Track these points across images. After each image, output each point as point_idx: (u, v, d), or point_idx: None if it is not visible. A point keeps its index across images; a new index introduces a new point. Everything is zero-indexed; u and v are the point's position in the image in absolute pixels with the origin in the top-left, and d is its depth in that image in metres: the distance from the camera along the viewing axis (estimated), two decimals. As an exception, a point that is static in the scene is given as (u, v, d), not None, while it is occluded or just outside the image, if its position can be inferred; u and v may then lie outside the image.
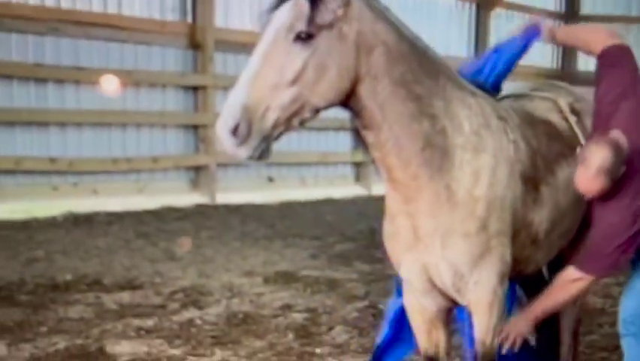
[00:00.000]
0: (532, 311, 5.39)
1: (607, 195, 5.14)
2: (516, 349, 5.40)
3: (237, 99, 4.23)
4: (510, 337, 5.29)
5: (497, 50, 5.83)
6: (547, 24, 6.21)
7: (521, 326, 5.35)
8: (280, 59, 4.24)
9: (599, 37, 5.54)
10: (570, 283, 5.34)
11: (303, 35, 4.24)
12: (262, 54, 4.28)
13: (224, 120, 4.21)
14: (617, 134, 5.10)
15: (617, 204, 5.18)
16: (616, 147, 4.99)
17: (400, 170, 4.71)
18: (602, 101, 5.38)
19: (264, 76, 4.23)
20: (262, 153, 4.28)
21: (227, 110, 4.23)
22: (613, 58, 5.39)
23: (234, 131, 4.18)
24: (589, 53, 5.65)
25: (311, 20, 4.22)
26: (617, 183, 5.10)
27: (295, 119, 4.34)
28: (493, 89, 5.56)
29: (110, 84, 14.48)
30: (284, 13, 4.28)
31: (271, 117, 4.23)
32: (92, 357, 7.67)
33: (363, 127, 4.64)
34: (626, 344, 5.74)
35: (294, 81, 4.25)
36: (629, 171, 5.08)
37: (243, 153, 4.23)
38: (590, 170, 4.97)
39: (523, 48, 5.79)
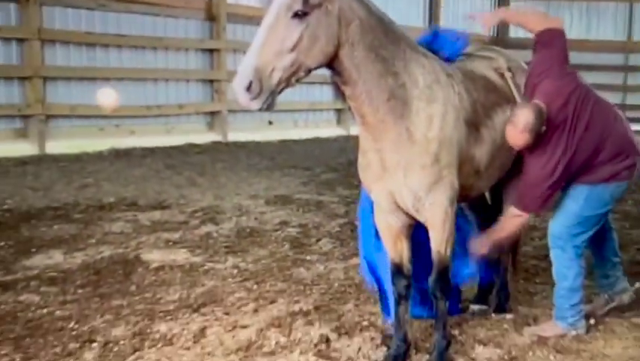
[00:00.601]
0: (490, 238, 5.67)
1: (532, 149, 5.40)
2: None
3: (249, 63, 4.28)
4: (474, 256, 5.75)
5: (435, 33, 5.65)
6: (485, 18, 6.18)
7: (482, 248, 5.67)
8: (282, 32, 4.33)
9: (537, 21, 5.71)
10: (513, 218, 5.64)
11: (299, 13, 4.33)
12: (267, 28, 4.34)
13: (240, 80, 4.28)
14: (539, 101, 5.35)
15: (540, 157, 5.40)
16: (538, 111, 5.27)
17: (371, 116, 4.77)
18: (532, 74, 5.58)
19: (270, 45, 4.31)
20: (269, 105, 4.38)
21: (242, 71, 4.29)
22: (546, 39, 5.54)
23: (248, 88, 4.26)
24: (529, 31, 5.70)
25: (305, 1, 4.32)
26: (539, 140, 5.35)
27: (294, 77, 4.45)
28: None
29: (107, 98, 14.44)
30: None
31: (276, 76, 4.33)
32: (129, 264, 7.58)
33: (342, 83, 4.69)
34: (554, 255, 5.76)
35: (293, 48, 4.35)
36: (549, 132, 5.36)
37: (256, 105, 4.33)
38: (517, 127, 5.23)
39: (456, 50, 5.67)
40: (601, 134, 5.51)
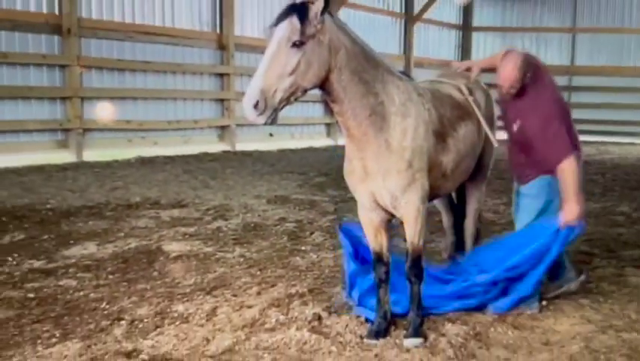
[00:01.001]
0: (572, 196, 5.35)
1: (529, 106, 5.52)
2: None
3: (256, 85, 4.32)
4: (576, 217, 5.36)
5: None
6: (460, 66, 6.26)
7: (576, 208, 5.35)
8: (283, 59, 4.38)
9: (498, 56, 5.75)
10: (567, 167, 5.35)
11: (297, 43, 4.39)
12: (270, 55, 4.38)
13: (248, 99, 4.31)
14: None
15: (541, 105, 5.50)
16: (525, 56, 5.53)
17: (355, 129, 4.78)
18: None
19: (273, 70, 4.35)
20: (273, 120, 4.41)
21: (250, 92, 4.32)
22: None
23: (255, 106, 4.30)
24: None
25: (302, 33, 4.37)
26: (532, 92, 5.53)
27: (292, 97, 4.48)
28: None
29: (106, 111, 14.67)
30: (283, 28, 4.39)
31: (278, 96, 4.37)
32: (152, 253, 7.54)
33: (331, 101, 4.70)
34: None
35: (292, 73, 4.39)
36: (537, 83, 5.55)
37: (261, 120, 4.36)
38: (509, 65, 5.43)
39: None
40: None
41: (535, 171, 5.68)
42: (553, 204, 5.64)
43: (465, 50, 28.77)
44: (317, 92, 4.74)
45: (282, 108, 4.45)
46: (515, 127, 5.69)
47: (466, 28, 29.08)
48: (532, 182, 5.73)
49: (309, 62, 4.43)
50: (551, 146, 5.42)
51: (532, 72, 5.52)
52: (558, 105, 5.63)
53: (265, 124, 4.39)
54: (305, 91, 4.54)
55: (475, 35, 29.09)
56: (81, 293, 6.15)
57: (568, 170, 5.37)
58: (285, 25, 4.39)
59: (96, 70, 15.64)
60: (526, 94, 5.58)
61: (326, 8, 4.46)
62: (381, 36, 23.71)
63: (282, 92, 4.37)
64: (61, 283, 6.44)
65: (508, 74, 5.45)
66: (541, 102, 5.52)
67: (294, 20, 4.37)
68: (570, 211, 5.36)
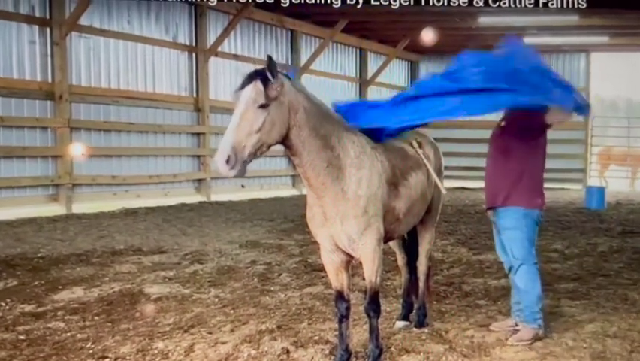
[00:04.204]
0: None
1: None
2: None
3: (227, 141, 4.29)
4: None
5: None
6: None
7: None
8: (250, 118, 4.36)
9: None
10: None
11: (262, 104, 4.37)
12: (240, 115, 4.36)
13: (221, 154, 4.27)
14: None
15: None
16: None
17: (314, 179, 4.75)
18: None
19: (242, 128, 4.33)
20: (243, 172, 4.34)
21: (222, 148, 4.28)
22: None
23: (227, 160, 4.25)
24: None
25: (266, 96, 4.37)
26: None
27: (259, 152, 4.43)
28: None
29: (74, 150, 14.63)
30: (250, 91, 4.39)
31: (247, 151, 4.33)
32: (135, 296, 7.36)
33: (292, 155, 4.68)
34: (520, 273, 5.76)
35: (258, 130, 4.37)
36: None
37: (232, 173, 4.30)
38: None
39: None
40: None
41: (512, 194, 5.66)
42: (534, 233, 5.74)
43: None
44: (281, 147, 4.70)
45: (250, 162, 4.39)
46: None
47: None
48: (506, 210, 5.69)
49: (272, 121, 4.41)
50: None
51: None
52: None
53: (236, 176, 4.33)
54: (269, 147, 4.50)
55: (422, 75, 29.39)
56: (68, 334, 5.96)
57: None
58: (251, 88, 4.38)
59: (85, 131, 15.47)
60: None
61: (272, 73, 4.41)
62: (339, 97, 23.66)
63: (250, 147, 4.32)
64: (50, 325, 6.24)
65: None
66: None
67: (259, 84, 4.38)
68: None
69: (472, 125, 21.46)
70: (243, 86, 4.44)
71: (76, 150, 14.65)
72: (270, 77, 4.41)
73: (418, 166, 5.63)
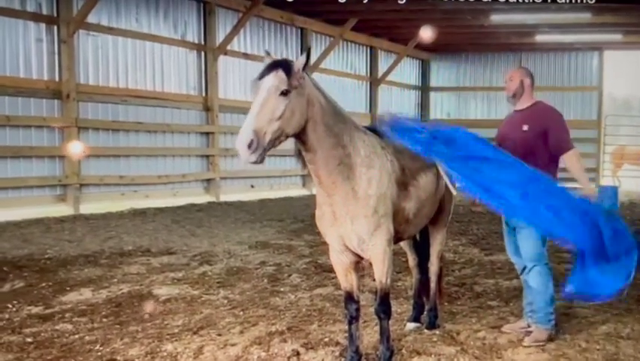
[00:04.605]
0: (584, 179, 5.78)
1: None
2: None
3: (249, 126, 4.29)
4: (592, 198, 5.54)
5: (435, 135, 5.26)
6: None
7: (591, 190, 5.72)
8: (272, 105, 4.37)
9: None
10: (573, 157, 5.75)
11: (284, 92, 4.40)
12: (261, 102, 4.37)
13: (243, 138, 4.25)
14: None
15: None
16: (526, 72, 5.99)
17: (325, 177, 4.76)
18: None
19: (263, 114, 4.34)
20: (262, 159, 4.33)
21: (244, 132, 4.27)
22: None
23: (249, 145, 4.24)
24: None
25: (289, 84, 4.41)
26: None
27: (277, 141, 4.43)
28: None
29: (75, 149, 14.61)
30: (272, 78, 4.42)
31: (268, 138, 4.33)
32: (144, 297, 7.37)
33: (305, 150, 4.69)
34: (534, 274, 5.74)
35: (279, 118, 4.38)
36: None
37: (253, 158, 4.28)
38: (513, 72, 5.95)
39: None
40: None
41: None
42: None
43: (424, 108, 29.06)
44: (292, 147, 4.75)
45: (269, 149, 4.39)
46: (523, 129, 5.74)
47: (424, 88, 29.40)
48: None
49: (292, 110, 4.43)
50: (561, 137, 5.72)
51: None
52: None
53: (255, 162, 4.32)
54: (287, 136, 4.51)
55: (432, 94, 29.40)
56: (76, 336, 5.97)
57: (574, 157, 5.72)
58: (272, 76, 4.42)
59: (92, 130, 15.48)
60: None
61: (307, 65, 4.54)
62: (349, 96, 23.89)
63: (270, 134, 4.33)
64: (57, 327, 6.25)
65: (514, 81, 5.82)
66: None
67: (281, 73, 4.42)
68: (590, 191, 5.63)
69: (482, 125, 21.44)
70: (262, 75, 4.48)
71: (76, 148, 14.63)
72: (293, 66, 4.47)
73: (428, 167, 5.60)
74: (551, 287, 5.76)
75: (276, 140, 4.41)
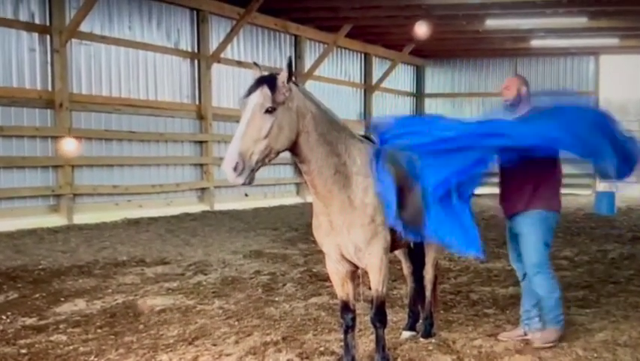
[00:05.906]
0: None
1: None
2: None
3: (235, 148, 4.33)
4: None
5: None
6: None
7: None
8: (257, 124, 4.40)
9: None
10: None
11: (269, 109, 4.42)
12: (246, 122, 4.40)
13: (228, 162, 4.32)
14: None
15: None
16: (522, 80, 6.09)
17: (321, 187, 4.77)
18: None
19: (249, 135, 4.37)
20: (250, 180, 4.39)
21: (229, 155, 4.33)
22: None
23: (235, 168, 4.30)
24: None
25: (273, 100, 4.41)
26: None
27: (267, 158, 4.47)
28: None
29: (70, 145, 14.61)
30: (256, 97, 4.43)
31: (254, 158, 4.37)
32: (138, 308, 7.38)
33: (300, 161, 4.70)
34: (540, 278, 5.77)
35: (266, 136, 4.41)
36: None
37: (240, 180, 4.35)
38: (510, 80, 6.10)
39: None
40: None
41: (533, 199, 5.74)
42: (550, 237, 5.82)
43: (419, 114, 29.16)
44: (287, 154, 4.75)
45: (257, 169, 4.43)
46: None
47: (419, 95, 29.51)
48: (526, 214, 5.74)
49: (280, 126, 4.45)
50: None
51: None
52: None
53: (244, 184, 4.38)
54: (277, 153, 4.54)
55: (427, 101, 29.52)
56: (71, 347, 5.98)
57: None
58: (257, 94, 4.44)
59: (85, 140, 15.49)
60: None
61: (290, 77, 4.54)
62: (344, 103, 24.01)
63: (257, 154, 4.37)
64: (52, 338, 6.26)
65: (511, 89, 5.94)
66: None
67: (265, 90, 4.43)
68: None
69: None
70: (249, 93, 4.50)
71: (70, 145, 14.64)
72: (277, 81, 4.48)
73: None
74: (557, 290, 5.84)
75: (266, 158, 4.46)
